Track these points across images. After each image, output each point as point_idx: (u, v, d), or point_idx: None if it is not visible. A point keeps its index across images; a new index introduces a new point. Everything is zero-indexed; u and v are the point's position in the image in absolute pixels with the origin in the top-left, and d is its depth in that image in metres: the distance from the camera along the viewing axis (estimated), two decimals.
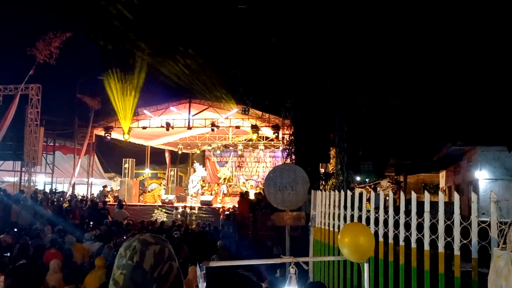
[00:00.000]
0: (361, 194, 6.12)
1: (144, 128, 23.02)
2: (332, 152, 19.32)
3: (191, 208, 20.96)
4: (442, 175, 23.46)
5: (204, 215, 20.41)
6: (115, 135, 23.72)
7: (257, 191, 20.53)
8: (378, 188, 25.65)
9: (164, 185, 27.84)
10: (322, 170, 21.44)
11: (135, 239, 1.64)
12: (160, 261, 1.59)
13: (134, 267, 1.55)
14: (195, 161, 29.22)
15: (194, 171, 27.22)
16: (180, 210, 20.79)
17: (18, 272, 2.92)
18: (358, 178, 33.55)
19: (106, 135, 22.95)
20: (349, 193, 6.29)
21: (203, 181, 27.77)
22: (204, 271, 3.46)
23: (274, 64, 13.97)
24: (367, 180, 34.89)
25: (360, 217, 5.94)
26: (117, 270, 1.58)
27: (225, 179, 27.24)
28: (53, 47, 20.15)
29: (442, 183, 23.66)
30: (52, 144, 24.94)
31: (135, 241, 1.62)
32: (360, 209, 6.01)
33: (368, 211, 5.84)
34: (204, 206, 21.31)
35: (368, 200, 6.33)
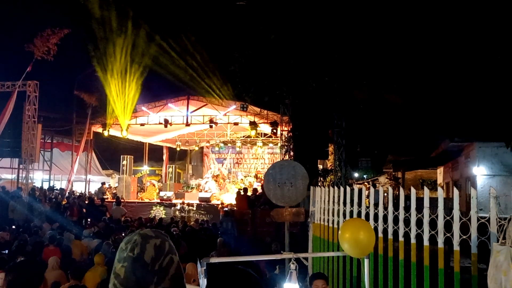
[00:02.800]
0: (360, 190, 6.13)
1: (142, 125, 22.97)
2: (330, 148, 19.34)
3: (189, 204, 20.96)
4: (440, 171, 23.52)
5: (202, 212, 20.42)
6: (113, 132, 23.68)
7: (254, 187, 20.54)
8: (376, 184, 25.70)
9: (160, 183, 27.86)
10: (321, 167, 21.47)
11: (136, 233, 1.65)
12: (161, 254, 1.60)
13: (135, 259, 1.56)
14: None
15: (209, 168, 27.91)
16: (178, 206, 20.80)
17: (19, 269, 2.92)
18: (356, 175, 33.59)
19: (104, 132, 22.92)
20: (348, 189, 6.30)
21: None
22: (205, 267, 3.47)
23: (273, 61, 13.95)
24: (365, 176, 34.95)
25: (359, 213, 5.95)
26: (118, 264, 1.59)
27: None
28: (51, 43, 20.08)
29: (440, 179, 23.72)
30: (50, 141, 24.89)
31: (135, 235, 1.63)
32: (359, 205, 6.02)
33: (368, 207, 5.85)
34: (202, 203, 21.31)
35: (367, 196, 6.34)
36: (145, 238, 1.61)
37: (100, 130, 23.34)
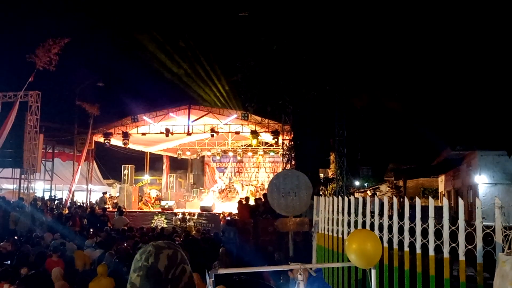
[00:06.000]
0: (364, 200, 6.15)
1: (143, 134, 23.02)
2: (331, 157, 19.35)
3: (191, 214, 20.93)
4: (441, 179, 23.50)
5: (204, 221, 20.39)
6: (114, 141, 23.71)
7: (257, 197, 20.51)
8: (377, 193, 25.67)
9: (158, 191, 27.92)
10: (322, 175, 21.47)
11: (149, 245, 1.75)
12: (174, 264, 1.69)
13: (149, 267, 1.65)
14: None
15: (214, 181, 28.55)
16: (179, 216, 20.76)
17: (30, 281, 2.93)
18: (357, 183, 33.57)
19: (105, 141, 22.95)
20: (352, 199, 6.31)
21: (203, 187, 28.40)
22: (213, 279, 3.48)
23: (276, 71, 14.03)
24: (366, 184, 34.95)
25: (364, 223, 5.95)
26: (133, 273, 1.68)
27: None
28: (53, 53, 20.12)
29: (441, 188, 23.71)
30: (51, 151, 24.89)
31: (149, 246, 1.73)
32: (364, 215, 6.03)
33: (373, 217, 5.85)
34: (204, 212, 21.29)
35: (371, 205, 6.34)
36: (159, 249, 1.70)
37: (101, 139, 23.38)
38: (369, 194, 25.11)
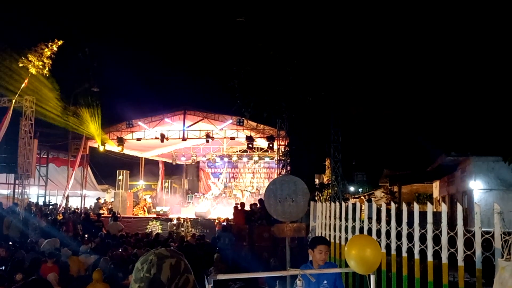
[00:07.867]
0: (361, 206, 6.14)
1: (138, 139, 22.96)
2: (327, 162, 19.33)
3: (186, 219, 20.86)
4: (436, 185, 23.56)
5: (199, 227, 20.32)
6: (109, 146, 23.62)
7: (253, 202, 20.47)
8: (372, 199, 25.70)
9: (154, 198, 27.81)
10: (317, 181, 21.45)
11: (151, 253, 1.68)
12: (177, 274, 1.62)
13: (152, 279, 1.58)
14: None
15: (208, 188, 28.59)
16: (174, 221, 20.69)
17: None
18: (351, 189, 33.57)
19: (100, 146, 22.85)
20: (350, 204, 6.31)
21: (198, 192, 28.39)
22: (212, 284, 3.46)
23: (272, 76, 14.06)
24: (360, 190, 34.94)
25: (361, 229, 5.95)
26: (134, 284, 1.61)
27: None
28: (45, 57, 20.01)
29: (436, 194, 23.76)
30: (45, 156, 24.74)
31: (151, 255, 1.65)
32: (361, 220, 6.03)
33: (370, 222, 5.85)
34: (199, 218, 21.23)
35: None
36: (161, 258, 1.63)
37: (96, 145, 23.28)
38: (364, 199, 25.12)
